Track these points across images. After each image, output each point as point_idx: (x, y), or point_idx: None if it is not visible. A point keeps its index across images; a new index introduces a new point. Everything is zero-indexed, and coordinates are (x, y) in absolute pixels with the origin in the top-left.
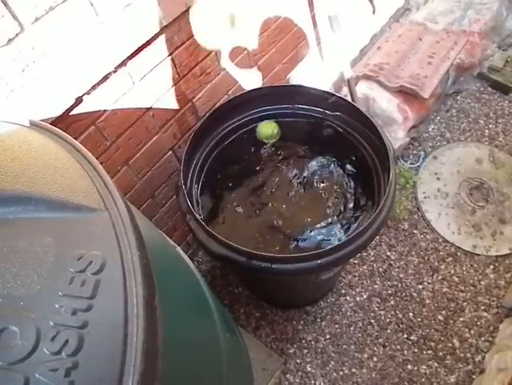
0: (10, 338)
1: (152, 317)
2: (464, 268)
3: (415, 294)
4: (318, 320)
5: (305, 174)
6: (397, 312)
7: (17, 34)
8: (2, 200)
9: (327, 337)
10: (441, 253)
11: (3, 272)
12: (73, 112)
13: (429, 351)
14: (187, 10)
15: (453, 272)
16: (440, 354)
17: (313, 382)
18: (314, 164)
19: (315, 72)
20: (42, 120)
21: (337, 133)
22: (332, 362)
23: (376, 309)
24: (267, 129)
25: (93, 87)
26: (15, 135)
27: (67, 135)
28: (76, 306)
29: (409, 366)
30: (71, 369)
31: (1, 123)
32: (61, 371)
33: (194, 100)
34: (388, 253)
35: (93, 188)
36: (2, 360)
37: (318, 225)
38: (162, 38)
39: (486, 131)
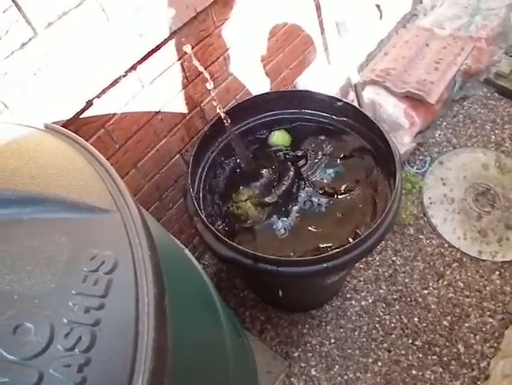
0: (25, 334)
1: (162, 316)
2: (469, 273)
3: (420, 299)
4: (323, 324)
5: (311, 178)
6: (402, 317)
7: (30, 39)
8: (18, 200)
9: (332, 341)
10: (447, 258)
11: (19, 270)
12: (83, 115)
13: (434, 357)
14: (196, 16)
15: (458, 277)
16: (445, 359)
17: None
18: (320, 169)
19: (322, 77)
20: (53, 123)
21: (343, 138)
22: (337, 367)
23: (381, 313)
24: (281, 141)
25: (103, 91)
26: (30, 138)
27: (79, 137)
28: (89, 304)
29: (414, 372)
30: (84, 365)
31: (16, 126)
32: (74, 367)
33: (202, 104)
34: (394, 258)
35: (105, 189)
36: (17, 356)
37: (323, 228)
38: (171, 43)
39: (493, 136)
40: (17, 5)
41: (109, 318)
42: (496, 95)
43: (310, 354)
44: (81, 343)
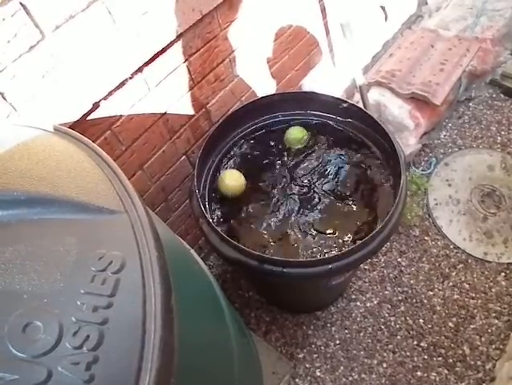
0: (34, 332)
1: (168, 315)
2: (475, 275)
3: (425, 301)
4: (328, 325)
5: (317, 180)
6: (407, 318)
7: (38, 42)
8: (27, 201)
9: (337, 342)
10: (452, 259)
11: (28, 270)
12: (90, 117)
13: (439, 358)
14: (202, 18)
15: (463, 279)
16: (451, 361)
17: None
18: (325, 170)
19: (328, 79)
20: (60, 125)
21: (349, 139)
22: (342, 368)
23: (386, 315)
24: (298, 141)
25: (110, 93)
26: (39, 140)
27: (87, 140)
28: (97, 303)
29: (419, 373)
30: (92, 363)
31: (25, 128)
32: (82, 365)
33: (208, 106)
34: (399, 260)
35: (113, 190)
36: (27, 353)
37: (328, 230)
38: (178, 45)
39: (498, 138)
40: (25, 8)
41: (117, 316)
42: (502, 95)
43: (315, 356)
44: (89, 342)
